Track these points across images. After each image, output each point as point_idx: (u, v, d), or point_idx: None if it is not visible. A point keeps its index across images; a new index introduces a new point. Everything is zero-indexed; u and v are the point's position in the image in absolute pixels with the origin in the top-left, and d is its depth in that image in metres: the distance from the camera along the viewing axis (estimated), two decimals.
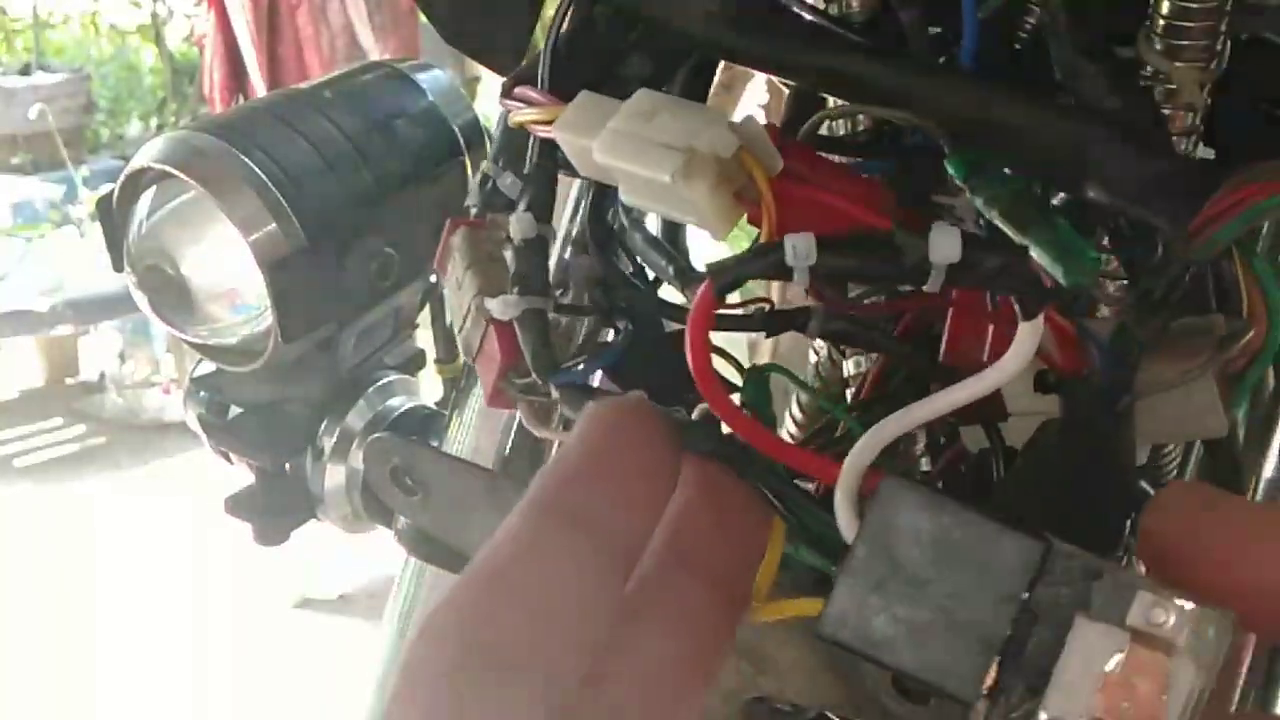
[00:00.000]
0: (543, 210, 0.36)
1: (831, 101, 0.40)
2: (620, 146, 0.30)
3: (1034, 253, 0.31)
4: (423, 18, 0.43)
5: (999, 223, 0.32)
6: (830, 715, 0.38)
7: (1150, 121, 0.33)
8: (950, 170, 0.33)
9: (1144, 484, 0.34)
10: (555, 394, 0.33)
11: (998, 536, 0.25)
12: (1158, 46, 0.33)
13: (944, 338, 0.35)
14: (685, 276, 0.34)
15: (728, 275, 0.28)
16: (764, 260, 0.28)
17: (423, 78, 0.65)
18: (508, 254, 0.36)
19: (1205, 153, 0.37)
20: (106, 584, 2.89)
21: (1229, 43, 0.34)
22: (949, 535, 0.25)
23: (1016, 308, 0.27)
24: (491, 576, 0.26)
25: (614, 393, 0.32)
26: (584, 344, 0.38)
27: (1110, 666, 0.24)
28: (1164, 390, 0.32)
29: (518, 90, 0.35)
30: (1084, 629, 0.24)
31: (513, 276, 0.35)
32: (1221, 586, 0.24)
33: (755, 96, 1.86)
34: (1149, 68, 0.34)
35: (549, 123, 0.33)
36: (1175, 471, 0.46)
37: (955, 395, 0.27)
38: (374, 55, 3.41)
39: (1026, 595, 0.24)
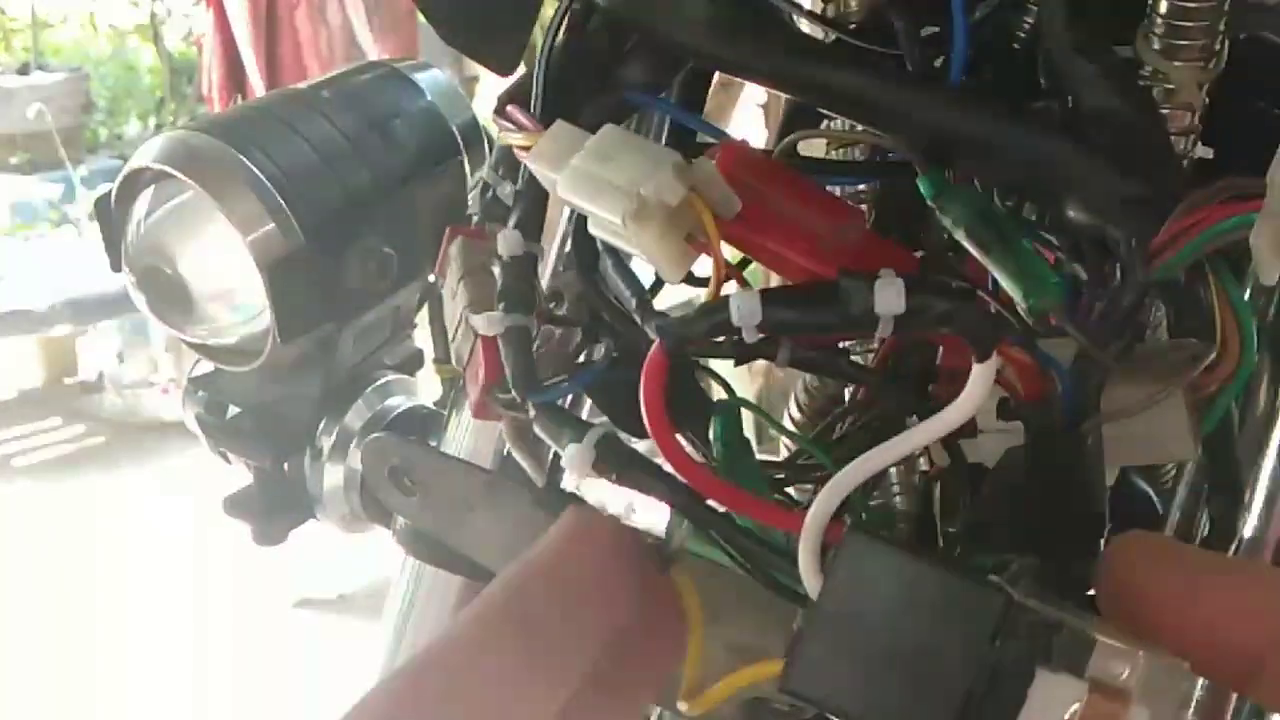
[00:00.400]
0: (531, 228, 0.36)
1: (840, 122, 0.40)
2: (579, 186, 0.30)
3: (996, 275, 0.31)
4: (421, 18, 0.43)
5: (963, 242, 0.32)
6: (829, 716, 0.37)
7: (1149, 123, 0.32)
8: (921, 189, 0.33)
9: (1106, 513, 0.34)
10: (531, 411, 0.34)
11: (961, 591, 0.25)
12: (1156, 46, 0.33)
13: (938, 360, 0.35)
14: (646, 311, 0.34)
15: (674, 337, 0.29)
16: (710, 320, 0.28)
17: (421, 78, 0.65)
18: (495, 270, 0.36)
19: (1204, 152, 0.37)
20: (106, 584, 2.89)
21: (1228, 42, 0.34)
22: (913, 590, 0.25)
23: (971, 350, 0.27)
24: (427, 669, 0.26)
25: (589, 422, 0.32)
26: (575, 354, 0.39)
27: (1068, 717, 0.24)
28: (1131, 414, 0.33)
29: (508, 109, 0.36)
30: (1044, 681, 0.24)
31: (499, 293, 0.35)
32: (1176, 635, 0.25)
33: (754, 96, 1.86)
34: (1147, 67, 0.34)
35: (529, 149, 0.33)
36: (1172, 476, 0.46)
37: (914, 439, 0.28)
38: (372, 55, 3.41)
39: (989, 648, 0.25)
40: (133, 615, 2.78)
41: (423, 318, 0.66)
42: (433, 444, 0.59)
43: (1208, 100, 0.35)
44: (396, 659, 0.60)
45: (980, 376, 0.27)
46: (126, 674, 2.58)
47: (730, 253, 0.32)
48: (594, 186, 0.30)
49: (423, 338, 0.68)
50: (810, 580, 0.27)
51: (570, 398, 0.45)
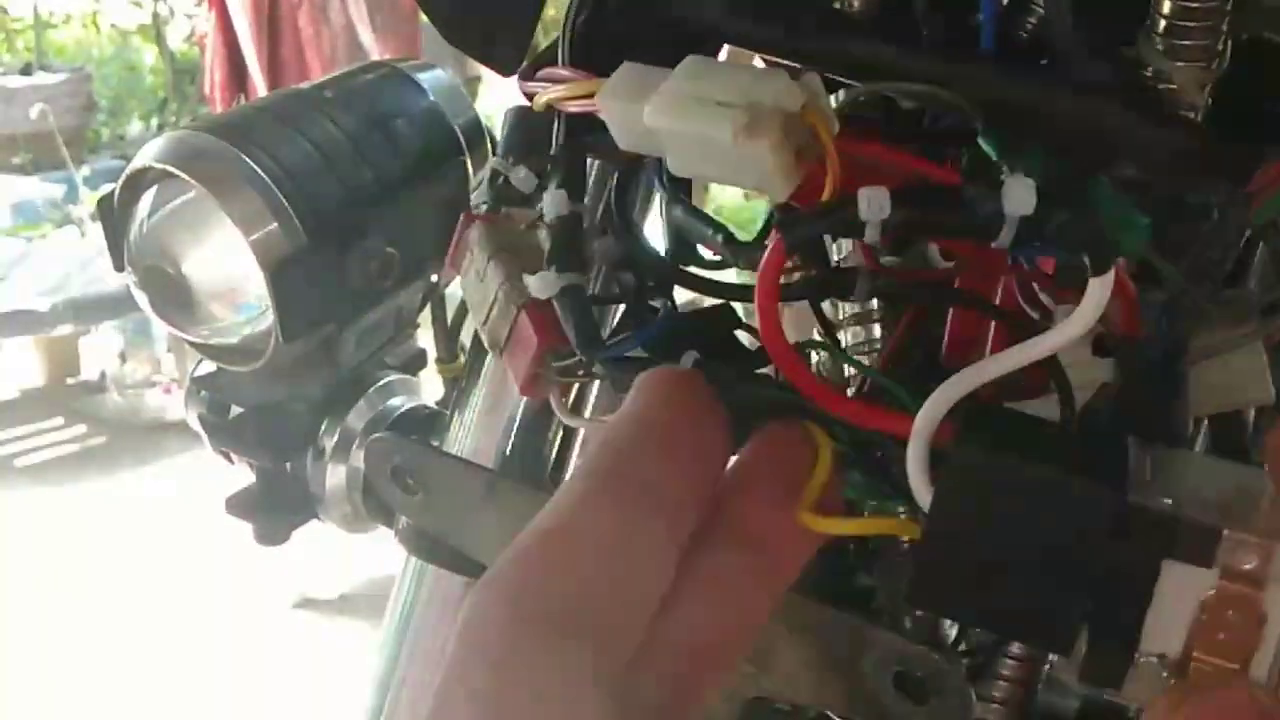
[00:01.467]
0: (576, 187, 0.35)
1: None
2: (675, 108, 0.29)
3: None
4: (423, 18, 0.43)
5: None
6: (830, 715, 0.38)
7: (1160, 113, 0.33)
8: (985, 147, 0.32)
9: None
10: (601, 370, 0.33)
11: (1075, 492, 0.25)
12: (1158, 46, 0.33)
13: (944, 339, 0.35)
14: (735, 246, 0.32)
15: (799, 230, 0.28)
16: (837, 214, 0.27)
17: (424, 77, 0.65)
18: (541, 234, 0.35)
19: None
20: (106, 584, 2.89)
21: (1230, 42, 0.34)
22: (1026, 495, 0.25)
23: (1087, 262, 0.26)
24: (548, 537, 0.26)
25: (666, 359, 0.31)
26: (616, 330, 0.37)
27: (1201, 604, 0.24)
28: (1212, 356, 0.32)
29: (544, 71, 0.35)
30: (1172, 572, 0.24)
31: (549, 254, 0.34)
32: None
33: None
34: (1150, 68, 0.34)
35: (588, 96, 0.32)
36: None
37: (1031, 350, 0.27)
38: (374, 55, 3.41)
39: (1110, 547, 0.25)
40: (134, 615, 2.78)
41: (425, 318, 0.66)
42: (435, 444, 0.59)
43: (1210, 100, 0.35)
44: (398, 659, 0.60)
45: (1097, 289, 0.26)
46: (128, 674, 2.58)
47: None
48: (693, 105, 0.28)
49: (425, 338, 0.68)
50: (921, 491, 0.27)
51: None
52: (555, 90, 0.34)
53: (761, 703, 0.35)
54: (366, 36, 3.54)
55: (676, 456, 0.27)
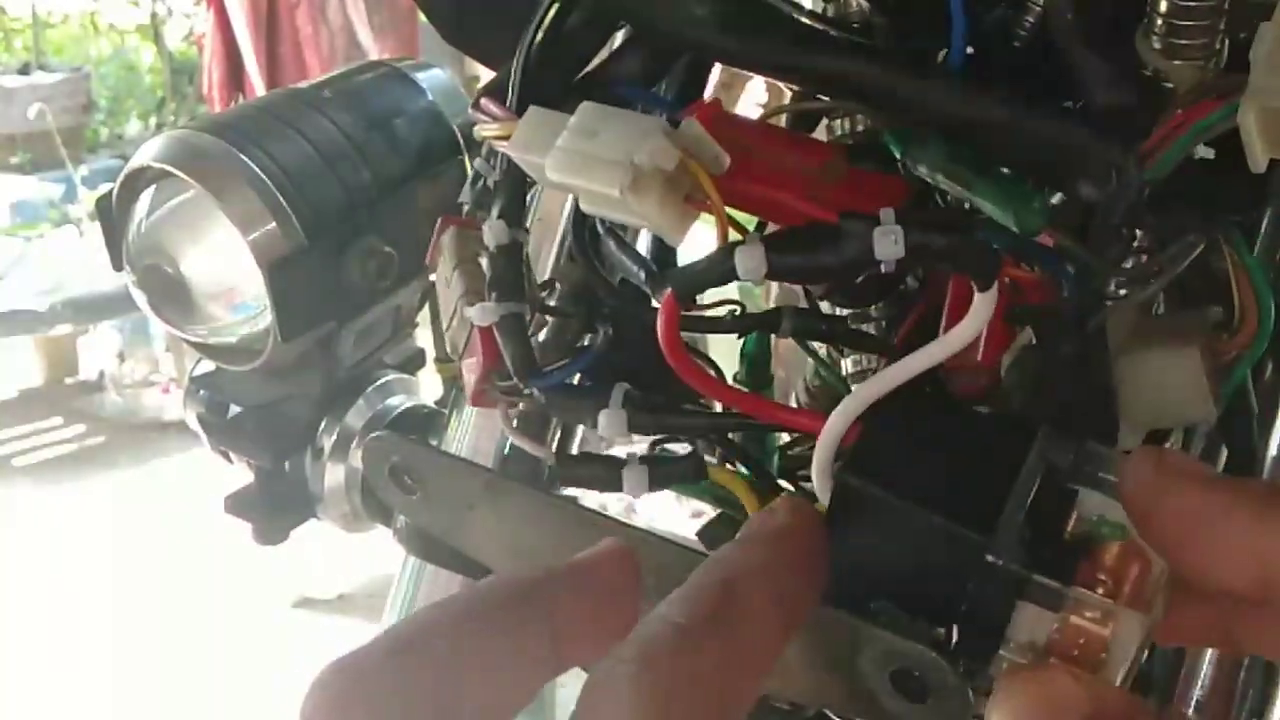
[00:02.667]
0: (515, 216, 0.36)
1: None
2: (569, 164, 0.31)
3: (982, 206, 0.32)
4: (422, 17, 0.43)
5: (944, 185, 0.32)
6: (829, 714, 0.38)
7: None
8: (888, 145, 0.33)
9: None
10: (538, 396, 0.35)
11: (944, 536, 0.27)
12: (1156, 45, 0.33)
13: (943, 320, 0.35)
14: (655, 281, 0.35)
15: (684, 285, 0.30)
16: (719, 269, 0.29)
17: (422, 77, 0.65)
18: (483, 261, 0.36)
19: (1205, 152, 0.37)
20: (106, 583, 2.89)
21: (1227, 41, 0.34)
22: (900, 521, 0.28)
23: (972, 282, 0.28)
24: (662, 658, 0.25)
25: (600, 388, 0.34)
26: (574, 341, 0.39)
27: (1055, 627, 0.27)
28: (1150, 371, 0.33)
29: (482, 102, 0.36)
30: (1024, 609, 0.27)
31: (489, 282, 0.35)
32: (1184, 552, 0.27)
33: (754, 96, 1.86)
34: (1149, 67, 0.34)
35: (507, 138, 0.33)
36: None
37: (922, 358, 0.29)
38: (373, 54, 3.41)
39: (971, 578, 0.27)
40: (133, 614, 2.78)
41: (424, 317, 0.66)
42: (434, 443, 0.59)
43: None
44: None
45: (982, 304, 0.28)
46: (127, 674, 2.58)
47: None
48: (584, 163, 0.30)
49: (424, 337, 0.68)
50: (821, 493, 0.29)
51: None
52: (487, 128, 0.35)
53: (760, 702, 0.35)
54: (365, 36, 3.54)
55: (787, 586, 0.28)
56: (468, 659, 0.26)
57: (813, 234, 0.30)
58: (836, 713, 0.36)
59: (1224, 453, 0.40)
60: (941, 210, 0.33)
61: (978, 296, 0.28)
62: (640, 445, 0.37)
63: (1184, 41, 0.33)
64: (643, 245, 0.44)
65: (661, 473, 0.34)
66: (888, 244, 0.28)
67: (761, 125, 0.35)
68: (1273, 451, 0.38)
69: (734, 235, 0.31)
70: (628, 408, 0.33)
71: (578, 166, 0.30)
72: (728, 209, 0.32)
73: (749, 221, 0.35)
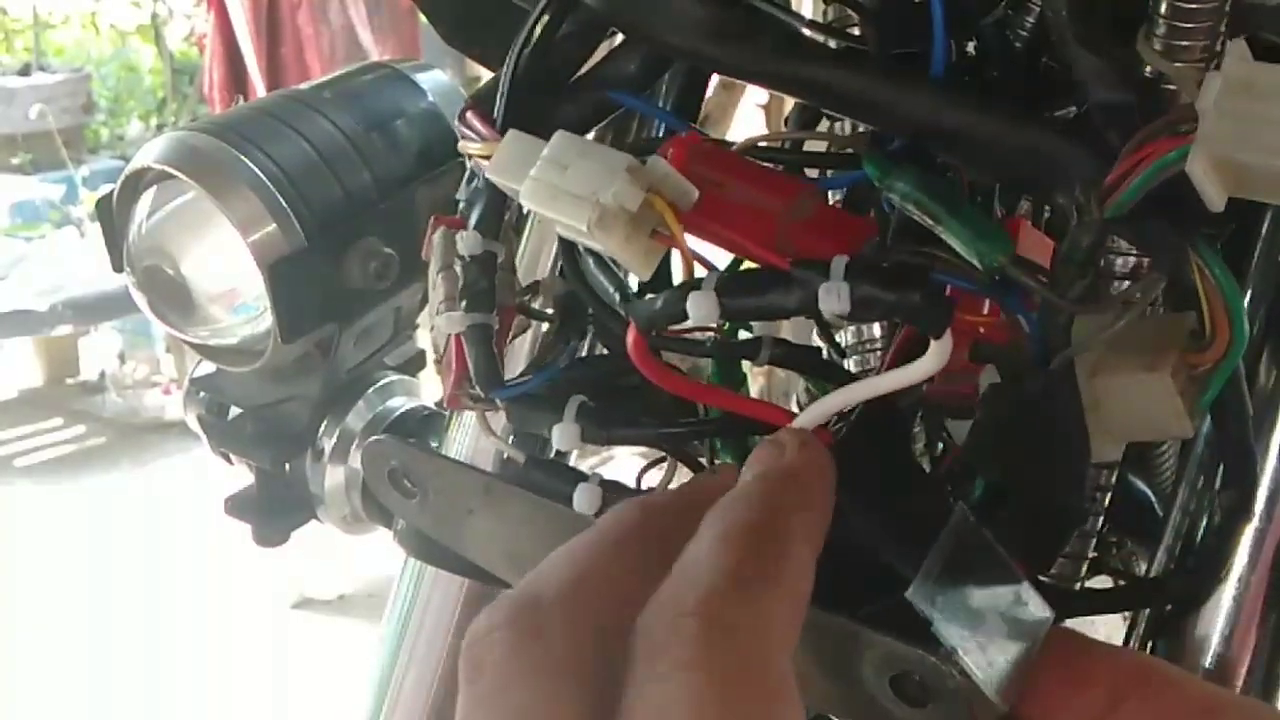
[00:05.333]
0: (490, 227, 0.37)
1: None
2: (540, 197, 0.32)
3: (950, 241, 0.32)
4: (423, 18, 0.43)
5: (915, 217, 0.32)
6: (829, 718, 0.38)
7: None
8: (867, 172, 0.34)
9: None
10: (500, 406, 0.36)
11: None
12: (1157, 46, 0.33)
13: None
14: (627, 307, 0.36)
15: (645, 321, 0.31)
16: (677, 309, 0.31)
17: (422, 78, 0.65)
18: (456, 268, 0.37)
19: None
20: (106, 584, 2.89)
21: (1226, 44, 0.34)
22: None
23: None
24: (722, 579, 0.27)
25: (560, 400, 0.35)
26: (552, 347, 0.41)
27: None
28: (1122, 393, 0.33)
29: (467, 117, 0.36)
30: None
31: (460, 290, 0.36)
32: None
33: (755, 96, 1.86)
34: (1149, 68, 0.34)
35: (488, 159, 0.34)
36: (1169, 468, 0.46)
37: (881, 383, 0.31)
38: (374, 55, 3.41)
39: None
40: (133, 615, 2.78)
41: (424, 318, 0.66)
42: (434, 445, 0.59)
43: None
44: (397, 660, 0.60)
45: (936, 350, 0.29)
46: (127, 674, 2.58)
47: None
48: (554, 197, 0.31)
49: (424, 338, 0.68)
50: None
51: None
52: (470, 145, 0.36)
53: None
54: (366, 37, 3.54)
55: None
56: None
57: (765, 279, 0.31)
58: (836, 716, 0.36)
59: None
60: (901, 255, 0.33)
61: (932, 344, 0.29)
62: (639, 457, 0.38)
63: (1185, 43, 0.33)
64: None
65: (614, 500, 0.35)
66: (832, 300, 0.29)
67: (735, 159, 0.36)
68: (1271, 454, 0.38)
69: (700, 270, 0.33)
70: (582, 420, 0.34)
71: (548, 199, 0.31)
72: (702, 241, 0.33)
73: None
